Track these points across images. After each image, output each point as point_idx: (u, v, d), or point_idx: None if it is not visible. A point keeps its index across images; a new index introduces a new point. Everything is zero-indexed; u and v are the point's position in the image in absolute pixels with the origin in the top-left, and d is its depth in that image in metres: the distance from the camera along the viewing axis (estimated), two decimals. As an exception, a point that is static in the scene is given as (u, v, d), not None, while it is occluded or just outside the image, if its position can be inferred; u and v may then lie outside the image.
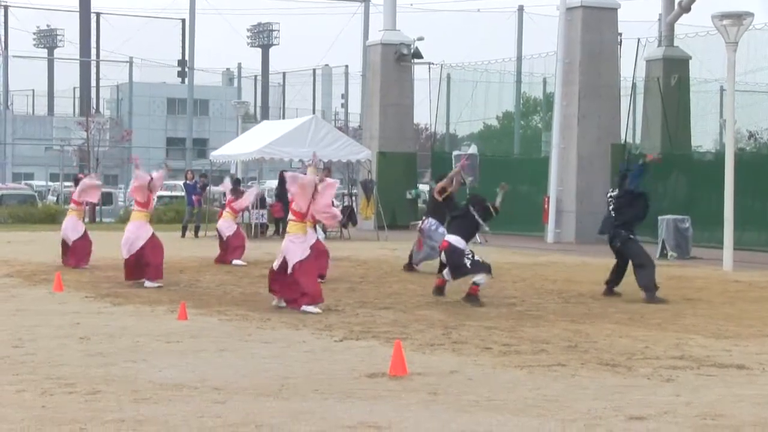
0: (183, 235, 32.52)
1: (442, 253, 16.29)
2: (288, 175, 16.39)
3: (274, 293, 15.57)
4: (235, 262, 22.97)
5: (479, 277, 15.93)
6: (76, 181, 23.26)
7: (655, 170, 32.94)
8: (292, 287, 15.18)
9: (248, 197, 25.18)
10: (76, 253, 21.76)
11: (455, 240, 16.03)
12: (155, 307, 15.42)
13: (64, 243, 22.15)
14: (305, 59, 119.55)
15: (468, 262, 15.92)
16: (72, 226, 22.06)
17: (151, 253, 18.39)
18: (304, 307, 14.93)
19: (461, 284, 16.40)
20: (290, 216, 15.53)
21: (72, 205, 22.69)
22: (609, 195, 17.55)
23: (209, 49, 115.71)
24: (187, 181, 34.48)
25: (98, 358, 11.07)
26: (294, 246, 15.19)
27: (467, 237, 16.20)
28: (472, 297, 15.89)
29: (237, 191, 24.99)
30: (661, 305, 16.23)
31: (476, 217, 16.39)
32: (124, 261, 18.67)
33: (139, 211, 18.85)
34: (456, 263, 15.94)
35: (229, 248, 23.45)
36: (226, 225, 23.89)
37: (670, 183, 32.47)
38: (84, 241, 21.98)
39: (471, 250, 16.15)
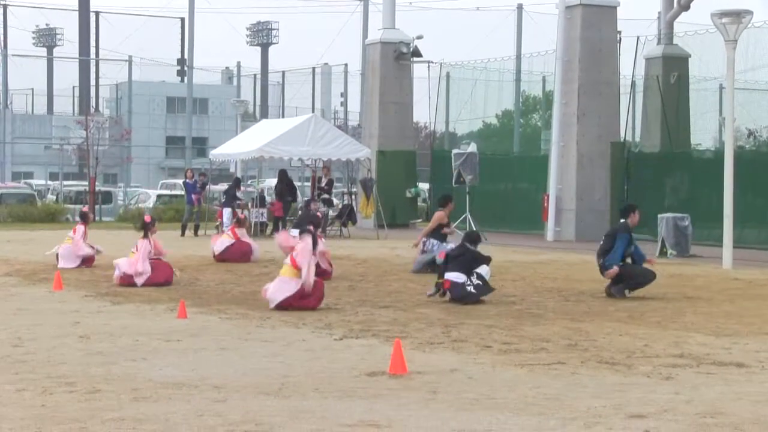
0: (183, 234, 32.53)
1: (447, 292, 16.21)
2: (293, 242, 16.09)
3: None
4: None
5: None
6: (83, 216, 22.88)
7: (655, 168, 33.08)
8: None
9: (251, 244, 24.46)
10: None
11: (455, 276, 16.03)
12: (155, 306, 15.43)
13: None
14: (304, 58, 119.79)
15: (471, 289, 15.92)
16: (69, 255, 21.58)
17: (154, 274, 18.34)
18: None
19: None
20: (287, 260, 15.38)
21: (71, 234, 21.99)
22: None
23: (208, 48, 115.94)
24: (187, 180, 34.48)
25: (98, 356, 11.07)
26: (283, 286, 15.07)
27: (467, 271, 16.15)
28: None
29: (236, 207, 24.72)
30: (660, 303, 16.24)
31: (474, 249, 16.49)
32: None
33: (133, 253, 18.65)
34: (461, 295, 15.92)
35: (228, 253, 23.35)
36: (220, 243, 23.64)
37: (669, 181, 32.48)
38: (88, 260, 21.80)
39: (473, 275, 16.08)
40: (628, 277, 17.14)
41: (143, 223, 19.03)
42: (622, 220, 17.66)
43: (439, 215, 21.43)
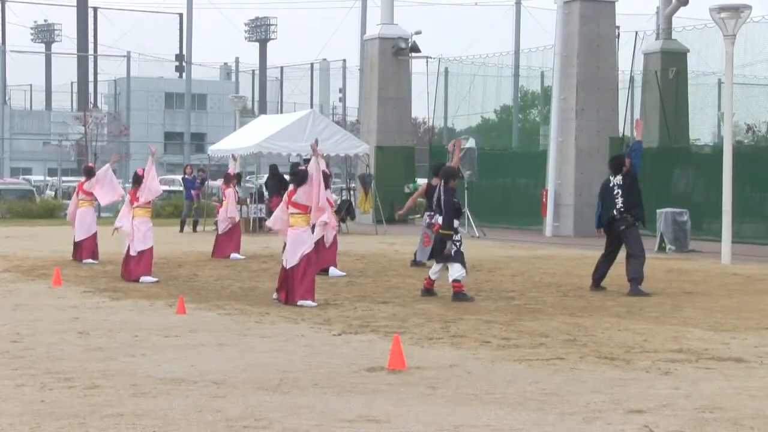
0: (182, 230, 32.52)
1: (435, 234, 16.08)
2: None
3: (280, 297, 15.40)
4: (233, 256, 22.97)
5: (457, 274, 15.78)
6: (86, 171, 22.95)
7: (654, 164, 33.07)
8: (296, 286, 15.02)
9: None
10: (84, 250, 21.70)
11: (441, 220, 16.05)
12: (154, 302, 15.42)
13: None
14: (303, 53, 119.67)
15: (453, 250, 15.81)
16: (87, 223, 21.84)
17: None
18: (301, 302, 14.88)
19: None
20: (293, 210, 15.34)
21: (82, 196, 22.19)
22: (612, 184, 17.29)
23: (207, 44, 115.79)
24: (186, 176, 34.46)
25: (97, 352, 11.07)
26: (303, 237, 15.10)
27: (456, 214, 16.14)
28: (459, 294, 15.75)
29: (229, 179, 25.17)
30: (659, 298, 16.24)
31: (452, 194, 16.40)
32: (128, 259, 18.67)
33: (140, 208, 18.74)
34: (440, 245, 15.88)
35: (219, 243, 23.40)
36: (221, 216, 23.80)
37: (668, 176, 32.48)
38: (93, 240, 21.84)
39: (460, 240, 16.03)
40: (618, 242, 17.09)
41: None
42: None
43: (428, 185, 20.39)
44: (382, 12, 40.14)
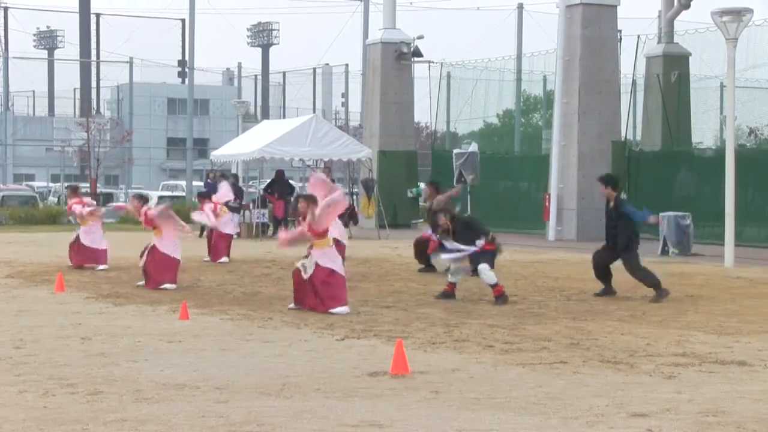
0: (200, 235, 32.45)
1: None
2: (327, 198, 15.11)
3: (300, 304, 15.15)
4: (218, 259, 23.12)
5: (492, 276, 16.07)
6: (72, 189, 23.08)
7: (656, 166, 33.09)
8: (322, 293, 14.91)
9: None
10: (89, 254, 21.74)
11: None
12: (156, 307, 15.42)
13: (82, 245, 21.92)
14: (305, 58, 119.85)
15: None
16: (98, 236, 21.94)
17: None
18: (336, 309, 14.73)
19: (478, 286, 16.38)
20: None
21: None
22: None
23: (209, 49, 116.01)
24: (210, 181, 34.40)
25: (100, 358, 11.07)
26: (330, 255, 14.99)
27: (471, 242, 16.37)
28: (502, 296, 15.98)
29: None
30: (662, 302, 16.23)
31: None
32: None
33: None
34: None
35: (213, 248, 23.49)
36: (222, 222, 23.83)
37: (670, 179, 32.47)
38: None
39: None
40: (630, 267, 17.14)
41: None
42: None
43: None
44: (384, 17, 40.17)
